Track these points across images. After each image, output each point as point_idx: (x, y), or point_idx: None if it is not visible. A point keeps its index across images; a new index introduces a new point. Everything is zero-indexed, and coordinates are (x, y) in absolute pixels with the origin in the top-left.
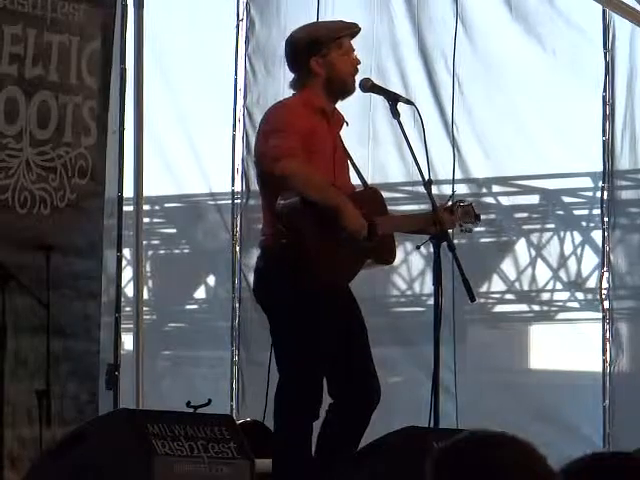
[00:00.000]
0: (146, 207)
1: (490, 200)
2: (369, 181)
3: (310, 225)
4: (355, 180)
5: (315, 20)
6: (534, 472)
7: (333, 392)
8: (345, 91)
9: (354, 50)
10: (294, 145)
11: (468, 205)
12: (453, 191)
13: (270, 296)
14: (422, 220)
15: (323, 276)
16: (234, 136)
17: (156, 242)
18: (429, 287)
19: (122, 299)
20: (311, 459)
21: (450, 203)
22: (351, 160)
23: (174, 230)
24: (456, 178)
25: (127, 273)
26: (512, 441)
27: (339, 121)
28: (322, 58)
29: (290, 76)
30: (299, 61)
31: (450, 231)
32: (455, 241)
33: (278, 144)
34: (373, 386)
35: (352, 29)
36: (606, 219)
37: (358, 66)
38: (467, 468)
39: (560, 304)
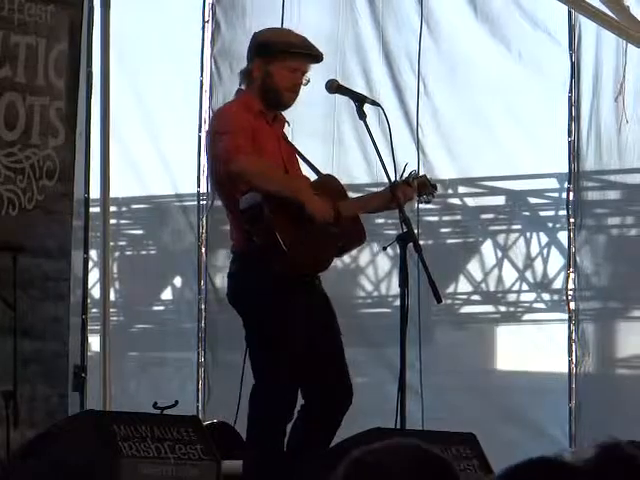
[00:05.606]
0: (113, 208)
1: (456, 201)
2: None
3: (277, 218)
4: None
5: (280, 22)
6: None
7: (305, 393)
8: (278, 104)
9: (304, 73)
10: (243, 143)
11: (423, 177)
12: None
13: (245, 299)
14: (382, 197)
15: (299, 265)
16: (200, 137)
17: (123, 243)
18: (395, 288)
19: (89, 300)
20: (283, 461)
21: (405, 176)
22: (299, 153)
23: (141, 231)
24: None
25: (94, 274)
26: (411, 450)
27: (280, 121)
28: (264, 64)
29: None
30: (249, 57)
31: (416, 231)
32: (421, 242)
33: (228, 144)
34: (347, 388)
35: (310, 51)
36: (572, 220)
37: (301, 87)
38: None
39: (526, 305)
